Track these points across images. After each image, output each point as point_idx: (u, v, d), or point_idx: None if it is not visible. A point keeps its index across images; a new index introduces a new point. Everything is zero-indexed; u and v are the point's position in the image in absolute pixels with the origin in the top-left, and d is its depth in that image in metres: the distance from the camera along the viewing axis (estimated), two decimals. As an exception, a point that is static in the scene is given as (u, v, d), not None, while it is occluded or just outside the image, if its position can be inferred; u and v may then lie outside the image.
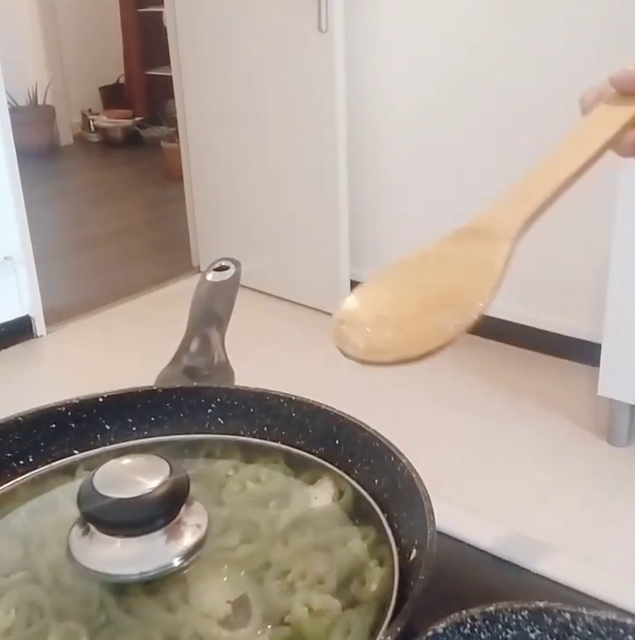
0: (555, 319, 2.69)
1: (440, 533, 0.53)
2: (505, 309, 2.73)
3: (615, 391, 2.27)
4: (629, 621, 0.45)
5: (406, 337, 0.44)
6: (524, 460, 2.32)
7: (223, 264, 0.81)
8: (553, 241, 2.62)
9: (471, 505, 2.25)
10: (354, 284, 3.06)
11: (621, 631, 0.45)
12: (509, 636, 0.46)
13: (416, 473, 0.55)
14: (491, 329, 2.78)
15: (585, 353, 2.55)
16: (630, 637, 0.45)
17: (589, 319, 2.55)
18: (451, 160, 2.80)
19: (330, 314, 3.10)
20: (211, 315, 0.78)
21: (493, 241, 0.47)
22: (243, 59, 3.09)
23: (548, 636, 0.46)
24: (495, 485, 2.21)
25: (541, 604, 0.46)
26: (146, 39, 5.66)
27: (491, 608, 0.46)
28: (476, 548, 0.62)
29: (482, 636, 0.45)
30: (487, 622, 0.45)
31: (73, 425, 0.65)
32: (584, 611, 0.45)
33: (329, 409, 0.63)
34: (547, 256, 2.62)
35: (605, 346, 2.23)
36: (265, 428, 0.66)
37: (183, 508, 0.53)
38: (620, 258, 2.14)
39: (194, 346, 0.75)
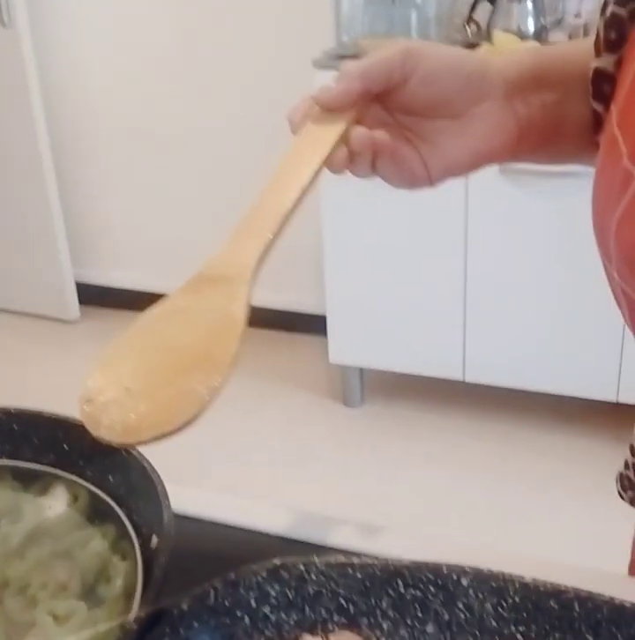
0: (281, 297, 2.80)
1: (178, 516, 0.54)
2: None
3: (344, 357, 2.42)
4: (355, 560, 0.49)
5: (160, 407, 0.42)
6: (270, 436, 2.40)
7: None
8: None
9: (225, 486, 2.28)
10: (79, 285, 2.98)
11: (349, 571, 0.49)
12: (251, 598, 0.48)
13: (148, 462, 0.56)
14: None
15: (314, 325, 2.69)
16: (358, 574, 0.49)
17: (312, 293, 2.69)
18: (163, 148, 2.79)
19: (59, 319, 2.98)
20: None
21: (230, 287, 0.46)
22: None
23: (287, 590, 0.48)
24: (242, 465, 2.27)
25: (277, 561, 0.49)
26: None
27: (232, 576, 0.48)
28: (216, 523, 0.64)
29: (226, 604, 0.47)
30: (229, 589, 0.47)
31: None
32: (315, 559, 0.49)
33: (53, 415, 0.62)
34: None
35: (329, 316, 2.37)
36: (-13, 447, 0.63)
37: None
38: (330, 233, 2.28)
39: None
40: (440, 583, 0.48)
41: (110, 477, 0.59)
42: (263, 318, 2.83)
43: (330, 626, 0.48)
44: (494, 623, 0.47)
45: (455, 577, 0.48)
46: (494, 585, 0.47)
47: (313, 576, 0.49)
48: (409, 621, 0.48)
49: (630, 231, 0.44)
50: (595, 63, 0.52)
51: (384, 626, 0.48)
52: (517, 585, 0.47)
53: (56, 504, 0.58)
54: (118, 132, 2.84)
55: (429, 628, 0.48)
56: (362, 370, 2.47)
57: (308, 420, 2.47)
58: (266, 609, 0.47)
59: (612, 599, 0.47)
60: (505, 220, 2.08)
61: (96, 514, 0.58)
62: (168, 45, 2.65)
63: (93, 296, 3.04)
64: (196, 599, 0.46)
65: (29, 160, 2.82)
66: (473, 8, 2.18)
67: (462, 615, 0.48)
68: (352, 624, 0.48)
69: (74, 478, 0.60)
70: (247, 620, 0.47)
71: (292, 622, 0.48)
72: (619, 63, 0.50)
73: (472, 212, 2.09)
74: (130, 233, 2.97)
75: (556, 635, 0.47)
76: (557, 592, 0.47)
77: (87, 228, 3.02)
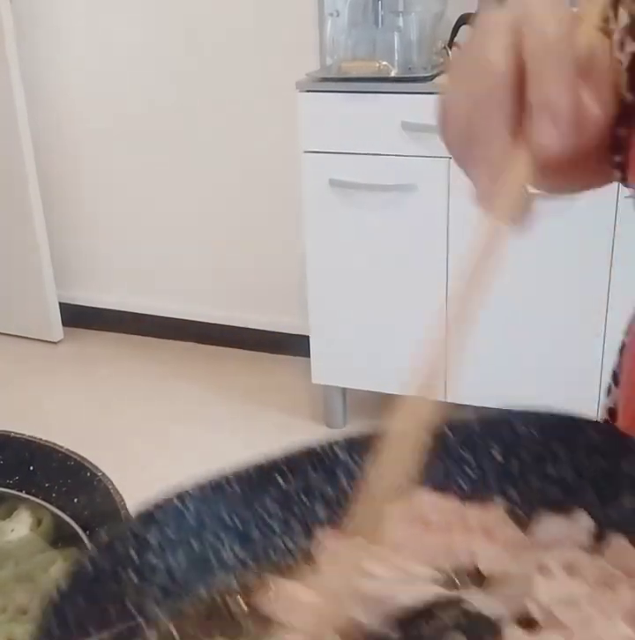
0: (264, 317, 2.80)
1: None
2: (222, 316, 2.81)
3: (327, 378, 2.42)
4: (228, 474, 0.48)
5: None
6: (252, 455, 2.39)
7: None
8: (252, 246, 2.74)
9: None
10: (63, 306, 2.97)
11: (226, 487, 0.47)
12: (131, 552, 0.44)
13: (112, 484, 0.56)
14: (209, 335, 2.84)
15: (297, 346, 2.69)
16: (236, 488, 0.47)
17: (295, 313, 2.69)
18: (149, 169, 2.80)
19: (43, 340, 2.97)
20: None
21: None
22: None
23: (167, 530, 0.45)
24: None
25: (148, 506, 0.45)
26: None
27: (104, 536, 0.44)
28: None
29: (107, 568, 0.43)
30: (104, 553, 0.43)
31: None
32: (186, 488, 0.46)
33: (19, 436, 0.62)
34: (249, 262, 2.73)
35: (312, 337, 2.37)
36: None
37: None
38: (314, 254, 2.28)
39: None
40: (316, 463, 0.49)
41: (75, 499, 0.59)
42: (246, 339, 2.83)
43: (223, 550, 0.46)
44: None
45: (330, 453, 0.49)
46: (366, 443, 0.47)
47: (189, 507, 0.46)
48: (298, 512, 0.47)
49: None
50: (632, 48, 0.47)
51: (276, 527, 0.47)
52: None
53: (19, 527, 0.57)
54: (103, 153, 2.84)
55: (320, 513, 0.48)
56: (344, 391, 2.47)
57: (290, 441, 2.45)
58: (150, 557, 0.44)
59: (481, 414, 0.48)
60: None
61: (60, 537, 0.57)
62: (155, 66, 2.67)
63: (77, 317, 3.03)
64: (73, 575, 0.41)
65: (13, 179, 2.82)
66: (455, 32, 2.21)
67: (347, 486, 0.48)
68: (244, 538, 0.46)
69: (38, 500, 0.60)
70: (134, 576, 0.44)
71: (182, 561, 0.45)
72: None
73: (453, 235, 2.10)
74: (114, 254, 2.97)
75: (439, 467, 0.48)
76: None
77: (71, 249, 3.02)
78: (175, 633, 0.43)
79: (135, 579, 0.43)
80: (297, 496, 0.48)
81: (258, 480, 0.48)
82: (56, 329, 2.99)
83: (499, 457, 0.48)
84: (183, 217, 2.80)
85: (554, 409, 0.47)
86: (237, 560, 0.46)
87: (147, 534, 0.44)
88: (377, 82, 2.10)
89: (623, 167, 0.53)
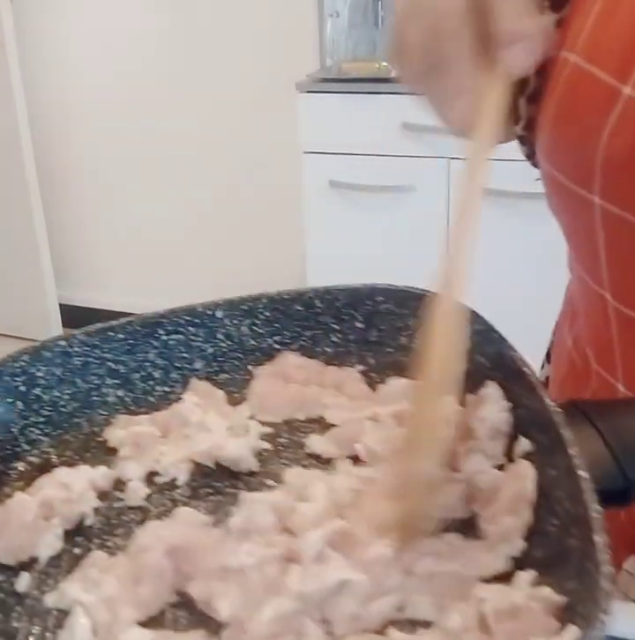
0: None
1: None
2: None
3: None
4: (114, 323, 0.53)
5: None
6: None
7: None
8: (253, 246, 2.74)
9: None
10: (63, 307, 2.97)
11: (110, 333, 0.51)
12: (18, 384, 0.48)
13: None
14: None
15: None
16: (120, 335, 0.51)
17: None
18: (148, 171, 2.79)
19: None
20: None
21: None
22: None
23: (52, 368, 0.49)
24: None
25: (37, 343, 0.51)
26: None
27: None
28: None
29: None
30: None
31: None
32: (75, 332, 0.56)
33: None
34: (250, 262, 2.73)
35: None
36: None
37: None
38: (313, 256, 2.27)
39: None
40: (198, 321, 0.52)
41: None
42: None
43: (106, 391, 0.50)
44: (252, 342, 0.53)
45: (210, 312, 0.52)
46: (245, 308, 0.52)
47: (76, 349, 0.50)
48: (178, 364, 0.52)
49: (623, 139, 0.45)
50: None
51: (156, 375, 0.52)
52: (265, 301, 0.52)
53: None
54: (103, 153, 2.83)
55: (197, 365, 0.52)
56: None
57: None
58: (37, 390, 0.48)
59: (347, 286, 0.53)
60: (489, 246, 2.08)
61: None
62: (152, 69, 2.65)
63: (77, 318, 3.02)
64: None
65: (14, 179, 2.79)
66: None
67: (224, 345, 0.52)
68: (127, 382, 0.51)
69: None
70: (20, 404, 0.48)
71: (67, 397, 0.49)
72: None
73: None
74: (114, 255, 2.96)
75: (307, 333, 0.53)
76: (299, 295, 0.53)
77: (72, 250, 3.01)
78: (54, 457, 0.47)
79: (20, 407, 0.48)
80: (178, 350, 0.52)
81: (142, 332, 0.51)
82: (56, 329, 2.98)
83: (360, 326, 0.53)
84: (183, 217, 2.79)
85: (410, 286, 0.51)
86: (118, 399, 0.51)
87: (34, 369, 0.48)
88: (377, 82, 2.08)
89: (529, 142, 0.55)
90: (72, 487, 0.43)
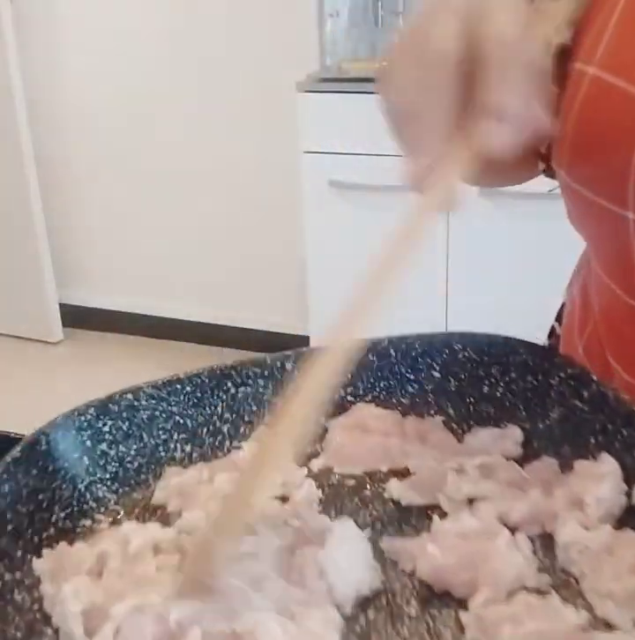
0: (265, 318, 2.80)
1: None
2: (221, 316, 2.80)
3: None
4: (182, 375, 0.50)
5: None
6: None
7: None
8: (253, 247, 2.74)
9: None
10: (62, 307, 2.97)
11: (178, 387, 0.50)
12: (85, 438, 0.47)
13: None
14: (209, 335, 2.84)
15: (297, 346, 2.66)
16: (187, 388, 0.50)
17: (296, 314, 2.69)
18: (148, 172, 2.79)
19: (42, 341, 2.97)
20: None
21: None
22: None
23: (119, 422, 0.48)
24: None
25: (102, 397, 0.49)
26: None
27: (58, 419, 0.47)
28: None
29: (60, 448, 0.46)
30: (58, 434, 0.47)
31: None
32: (142, 385, 0.49)
33: (18, 436, 0.58)
34: (250, 262, 2.73)
35: (312, 337, 2.38)
36: None
37: None
38: (313, 256, 2.28)
39: None
40: (266, 373, 0.50)
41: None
42: (246, 339, 2.83)
43: (173, 446, 0.48)
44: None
45: (279, 365, 0.51)
46: None
47: (143, 402, 0.48)
48: (247, 418, 0.50)
49: None
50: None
51: (225, 430, 0.50)
52: None
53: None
54: (103, 154, 2.84)
55: (267, 418, 0.49)
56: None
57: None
58: (103, 446, 0.47)
59: (421, 334, 0.51)
60: (488, 246, 2.08)
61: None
62: (152, 71, 2.67)
63: (77, 318, 3.02)
64: (26, 445, 0.44)
65: (14, 179, 2.80)
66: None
67: None
68: (195, 437, 0.49)
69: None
70: (86, 460, 0.46)
71: (133, 452, 0.48)
72: None
73: (454, 239, 2.10)
74: (113, 254, 2.96)
75: (381, 384, 0.51)
76: (373, 345, 0.51)
77: (71, 250, 3.01)
78: (121, 515, 0.45)
79: (86, 462, 0.46)
80: (246, 404, 0.50)
81: (210, 384, 0.50)
82: (56, 329, 2.98)
83: (438, 376, 0.51)
84: (183, 217, 2.79)
85: (490, 333, 0.50)
86: (185, 455, 0.49)
87: (100, 423, 0.47)
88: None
89: (546, 159, 0.54)
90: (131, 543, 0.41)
